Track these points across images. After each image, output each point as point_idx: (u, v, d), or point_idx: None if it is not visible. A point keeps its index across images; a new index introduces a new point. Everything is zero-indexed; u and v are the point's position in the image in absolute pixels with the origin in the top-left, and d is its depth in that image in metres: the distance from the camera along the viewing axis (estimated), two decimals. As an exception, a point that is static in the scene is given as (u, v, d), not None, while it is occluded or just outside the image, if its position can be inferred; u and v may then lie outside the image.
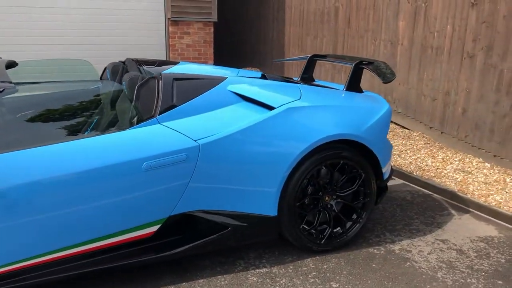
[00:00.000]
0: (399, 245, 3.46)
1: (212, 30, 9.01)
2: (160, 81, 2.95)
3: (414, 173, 4.84)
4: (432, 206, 4.20)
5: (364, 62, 3.65)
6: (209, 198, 2.86)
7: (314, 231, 3.25)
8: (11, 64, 3.12)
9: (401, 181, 4.82)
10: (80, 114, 3.32)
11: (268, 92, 3.18)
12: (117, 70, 3.68)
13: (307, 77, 4.18)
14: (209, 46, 9.07)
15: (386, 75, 3.44)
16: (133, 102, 2.88)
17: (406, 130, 6.32)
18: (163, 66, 3.82)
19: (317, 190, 3.21)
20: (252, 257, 3.24)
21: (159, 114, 2.83)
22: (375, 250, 3.37)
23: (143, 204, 2.70)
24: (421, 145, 5.65)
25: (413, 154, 5.39)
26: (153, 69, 3.68)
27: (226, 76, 3.23)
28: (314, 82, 4.01)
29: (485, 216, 4.02)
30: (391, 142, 5.52)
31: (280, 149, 2.95)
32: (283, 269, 3.09)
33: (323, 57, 4.11)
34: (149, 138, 2.73)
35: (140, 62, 3.78)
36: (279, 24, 9.67)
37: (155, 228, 2.78)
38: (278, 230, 3.12)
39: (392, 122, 6.67)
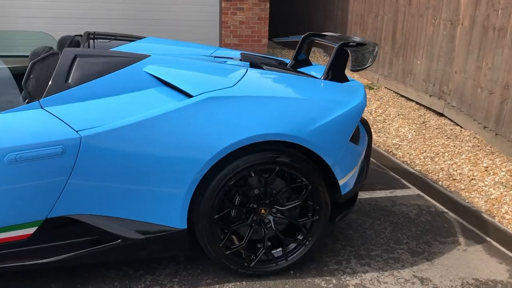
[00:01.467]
0: (358, 278, 2.72)
1: (268, 6, 8.40)
2: (59, 58, 2.50)
3: (439, 183, 3.93)
4: (437, 228, 3.32)
5: (350, 44, 2.89)
6: (96, 200, 2.39)
7: (243, 251, 2.63)
8: None
9: (416, 192, 3.95)
10: None
11: (194, 77, 2.60)
12: (63, 44, 3.30)
13: (302, 60, 3.47)
14: (264, 24, 8.47)
15: (358, 62, 2.67)
16: (23, 81, 2.48)
17: (458, 127, 5.28)
18: (119, 42, 3.35)
19: (249, 200, 2.58)
20: (165, 273, 2.72)
21: (45, 97, 2.40)
22: (322, 282, 2.67)
23: (10, 202, 2.30)
24: (466, 148, 4.63)
25: (450, 159, 4.42)
26: (104, 45, 3.24)
27: (157, 54, 2.70)
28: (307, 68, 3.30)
29: (504, 251, 3.08)
30: (432, 141, 4.60)
31: (189, 149, 2.38)
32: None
33: (320, 36, 3.39)
34: (20, 125, 2.31)
35: (96, 36, 3.36)
36: (344, 0, 8.77)
37: (31, 231, 2.38)
38: (191, 246, 2.56)
39: (445, 117, 5.65)
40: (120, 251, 2.47)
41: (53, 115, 2.36)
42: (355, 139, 2.78)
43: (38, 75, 2.48)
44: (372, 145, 4.25)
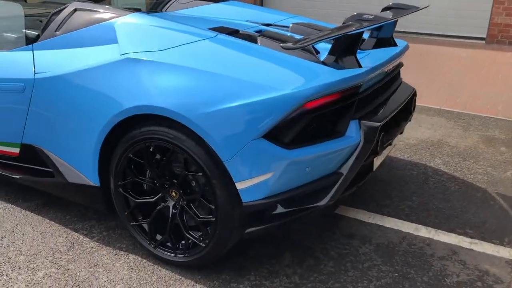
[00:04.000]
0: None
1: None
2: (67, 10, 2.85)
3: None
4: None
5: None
6: (42, 136, 2.70)
7: (146, 227, 2.49)
8: None
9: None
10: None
11: (142, 36, 2.50)
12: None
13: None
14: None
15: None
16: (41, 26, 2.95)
17: None
18: (201, 2, 3.48)
19: (156, 177, 2.39)
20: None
21: (37, 41, 2.81)
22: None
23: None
24: None
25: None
26: (181, 5, 3.46)
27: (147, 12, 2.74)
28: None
29: None
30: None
31: (95, 107, 2.41)
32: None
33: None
34: (8, 62, 2.80)
35: None
36: None
37: (16, 150, 2.91)
38: (108, 205, 2.59)
39: None
40: (55, 186, 2.71)
41: (32, 57, 2.74)
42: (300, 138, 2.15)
43: (48, 22, 2.86)
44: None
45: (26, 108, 2.70)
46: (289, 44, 1.98)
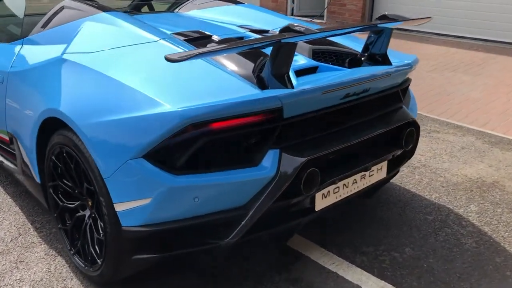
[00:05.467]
0: None
1: None
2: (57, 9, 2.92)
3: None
4: None
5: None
6: (12, 127, 2.79)
7: (65, 233, 2.44)
8: None
9: None
10: None
11: (88, 37, 2.45)
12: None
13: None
14: None
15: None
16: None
17: None
18: (220, 2, 3.36)
19: (73, 183, 2.32)
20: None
21: (28, 37, 2.92)
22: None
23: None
24: None
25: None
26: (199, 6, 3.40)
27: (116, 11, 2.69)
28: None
29: None
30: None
31: (30, 106, 2.42)
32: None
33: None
34: (2, 53, 2.95)
35: None
36: None
37: (6, 137, 3.07)
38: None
39: None
40: (26, 180, 2.77)
41: (17, 51, 2.84)
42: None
43: (42, 20, 2.95)
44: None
45: (4, 99, 2.81)
46: (174, 56, 1.71)
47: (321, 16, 9.67)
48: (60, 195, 2.41)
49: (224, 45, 1.82)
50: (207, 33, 2.60)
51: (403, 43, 7.94)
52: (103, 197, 1.98)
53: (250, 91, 1.91)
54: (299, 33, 1.94)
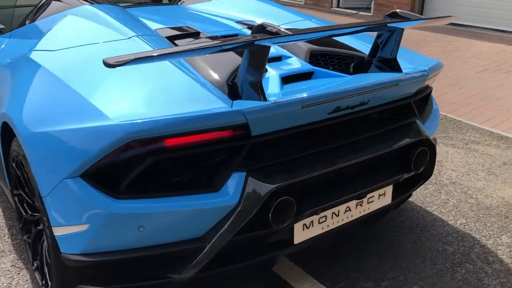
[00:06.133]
0: None
1: None
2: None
3: None
4: None
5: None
6: None
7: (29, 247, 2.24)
8: None
9: None
10: None
11: (62, 34, 2.23)
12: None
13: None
14: None
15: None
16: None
17: None
18: None
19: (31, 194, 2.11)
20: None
21: (15, 29, 2.74)
22: None
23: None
24: None
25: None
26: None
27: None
28: None
29: None
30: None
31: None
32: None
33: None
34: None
35: None
36: None
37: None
38: None
39: None
40: None
41: (4, 44, 2.67)
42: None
43: (29, 14, 2.77)
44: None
45: None
46: (111, 61, 1.43)
47: (367, 9, 9.13)
48: (24, 205, 2.21)
49: (182, 48, 1.52)
50: (195, 29, 2.31)
51: (453, 39, 7.30)
52: (45, 217, 1.74)
53: (212, 104, 1.60)
54: (272, 34, 1.61)
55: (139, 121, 1.50)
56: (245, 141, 1.63)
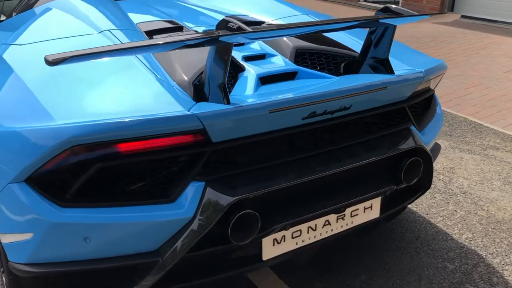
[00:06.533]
0: None
1: None
2: None
3: None
4: None
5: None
6: None
7: None
8: None
9: None
10: None
11: (38, 23, 2.13)
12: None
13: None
14: None
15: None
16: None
17: None
18: None
19: None
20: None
21: (3, 21, 2.68)
22: None
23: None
24: None
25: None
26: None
27: None
28: None
29: None
30: None
31: None
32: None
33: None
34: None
35: None
36: None
37: None
38: None
39: None
40: None
41: None
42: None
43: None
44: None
45: None
46: (50, 58, 1.30)
47: (396, 3, 8.78)
48: None
49: (130, 45, 1.38)
50: (179, 23, 2.17)
51: (484, 36, 6.93)
52: None
53: (170, 106, 1.46)
54: (233, 30, 1.45)
55: (83, 123, 1.37)
56: (205, 148, 1.48)
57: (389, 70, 1.84)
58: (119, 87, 1.58)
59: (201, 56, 1.71)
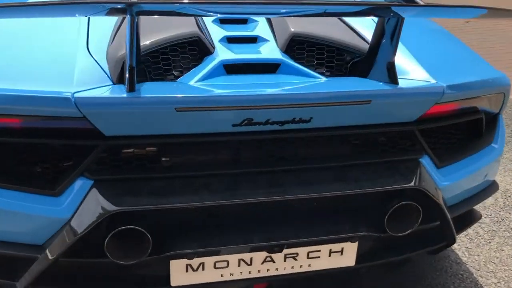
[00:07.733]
0: None
1: None
2: None
3: None
4: None
5: None
6: None
7: None
8: None
9: None
10: None
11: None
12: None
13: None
14: None
15: None
16: None
17: None
18: None
19: None
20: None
21: None
22: None
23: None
24: None
25: None
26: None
27: None
28: None
29: None
30: None
31: None
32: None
33: None
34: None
35: None
36: None
37: None
38: None
39: None
40: None
41: None
42: None
43: None
44: None
45: None
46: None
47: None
48: None
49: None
50: None
51: None
52: None
53: (60, 84, 1.22)
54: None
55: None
56: (94, 142, 1.22)
57: (392, 78, 1.35)
58: (29, 55, 1.38)
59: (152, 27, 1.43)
